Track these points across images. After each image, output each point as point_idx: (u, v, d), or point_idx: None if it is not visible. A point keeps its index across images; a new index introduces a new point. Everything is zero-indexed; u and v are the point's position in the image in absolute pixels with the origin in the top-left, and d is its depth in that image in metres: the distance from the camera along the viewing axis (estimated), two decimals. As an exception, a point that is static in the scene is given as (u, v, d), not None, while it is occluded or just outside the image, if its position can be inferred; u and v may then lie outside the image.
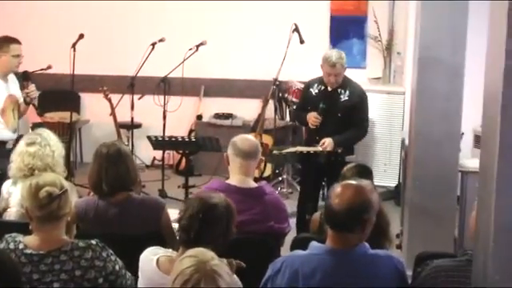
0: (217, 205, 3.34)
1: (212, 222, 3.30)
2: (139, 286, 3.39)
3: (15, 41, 6.15)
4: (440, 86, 5.35)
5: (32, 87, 6.04)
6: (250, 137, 4.57)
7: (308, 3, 8.71)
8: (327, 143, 6.12)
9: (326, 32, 8.85)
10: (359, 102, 6.33)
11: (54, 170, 4.51)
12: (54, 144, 4.69)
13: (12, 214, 4.56)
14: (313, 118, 6.24)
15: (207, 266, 2.66)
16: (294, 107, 6.72)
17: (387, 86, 8.57)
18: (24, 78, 6.12)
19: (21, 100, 6.13)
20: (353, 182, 3.33)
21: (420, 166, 5.47)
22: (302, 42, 7.40)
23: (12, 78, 6.26)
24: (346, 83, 6.34)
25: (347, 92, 6.29)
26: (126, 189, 4.32)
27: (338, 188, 3.23)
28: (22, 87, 6.09)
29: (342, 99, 6.28)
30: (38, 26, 9.24)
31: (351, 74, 8.74)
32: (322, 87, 6.33)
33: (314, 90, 6.38)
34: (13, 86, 6.24)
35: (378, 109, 8.38)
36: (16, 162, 4.61)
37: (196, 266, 2.66)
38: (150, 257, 3.34)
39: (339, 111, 6.27)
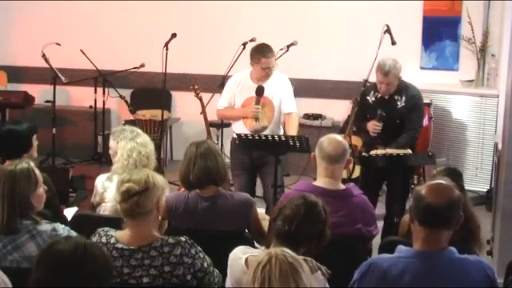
0: (317, 203, 3.43)
1: (312, 218, 3.36)
2: (227, 285, 3.41)
3: (264, 55, 6.12)
4: (536, 89, 5.22)
5: (259, 107, 6.16)
6: (338, 138, 4.50)
7: (400, 3, 8.61)
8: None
9: (418, 33, 8.72)
10: (415, 106, 6.28)
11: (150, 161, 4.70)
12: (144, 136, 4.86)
13: (107, 209, 4.67)
14: (372, 125, 6.23)
15: (278, 250, 2.69)
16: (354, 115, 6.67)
17: (480, 89, 8.40)
18: (257, 92, 6.19)
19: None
20: (439, 180, 3.32)
21: (513, 170, 5.35)
22: (393, 43, 7.30)
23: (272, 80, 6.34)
24: (402, 89, 6.27)
25: (403, 98, 6.24)
26: (214, 183, 4.37)
27: (431, 187, 3.22)
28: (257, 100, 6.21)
29: (399, 106, 6.25)
30: (132, 26, 9.43)
31: (443, 76, 8.73)
32: (379, 95, 6.30)
33: (371, 98, 6.36)
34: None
35: (470, 112, 8.25)
36: (131, 157, 4.69)
37: (268, 251, 2.71)
38: (240, 255, 3.36)
39: (397, 118, 6.25)
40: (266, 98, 6.23)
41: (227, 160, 8.33)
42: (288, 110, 6.31)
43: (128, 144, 4.72)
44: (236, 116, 6.39)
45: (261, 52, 6.15)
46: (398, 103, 6.25)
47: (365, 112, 6.41)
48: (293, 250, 3.15)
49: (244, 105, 6.29)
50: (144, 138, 4.79)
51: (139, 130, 4.88)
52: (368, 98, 6.38)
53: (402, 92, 6.25)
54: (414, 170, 7.17)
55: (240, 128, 6.27)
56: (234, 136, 6.29)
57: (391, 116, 6.23)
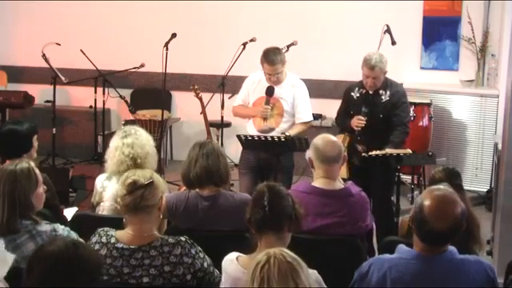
0: (279, 186, 3.53)
1: (279, 193, 3.43)
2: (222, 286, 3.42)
3: (268, 61, 6.09)
4: (536, 89, 5.22)
5: (268, 107, 6.16)
6: (331, 138, 4.51)
7: (400, 3, 8.61)
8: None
9: (418, 33, 8.73)
10: (399, 102, 6.27)
11: (149, 161, 4.63)
12: (145, 136, 4.76)
13: (105, 209, 4.63)
14: (356, 120, 6.23)
15: (277, 250, 2.69)
16: (336, 112, 6.67)
17: (480, 89, 8.40)
18: (267, 92, 6.18)
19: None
20: (441, 191, 3.22)
21: (513, 170, 5.35)
22: (393, 43, 7.32)
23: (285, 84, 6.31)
24: (387, 85, 6.30)
25: (388, 93, 6.26)
26: (213, 183, 4.36)
27: (434, 206, 3.13)
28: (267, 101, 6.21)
29: (383, 100, 6.27)
30: (132, 26, 9.43)
31: (443, 76, 8.72)
32: (363, 90, 6.32)
33: (356, 94, 6.38)
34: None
35: (470, 112, 8.24)
36: (115, 156, 4.62)
37: (266, 252, 2.70)
38: (231, 257, 3.38)
39: (381, 112, 6.25)
40: (276, 99, 6.23)
41: (227, 160, 8.37)
42: (303, 119, 6.30)
43: (115, 142, 4.67)
44: (246, 114, 6.42)
45: (265, 56, 6.14)
46: (383, 97, 6.27)
47: (349, 108, 6.43)
48: (278, 234, 3.30)
49: (255, 104, 6.32)
50: (135, 140, 4.64)
51: (135, 131, 4.73)
52: (352, 94, 6.39)
53: (387, 87, 6.28)
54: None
55: (251, 128, 6.31)
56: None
57: (375, 110, 6.25)
